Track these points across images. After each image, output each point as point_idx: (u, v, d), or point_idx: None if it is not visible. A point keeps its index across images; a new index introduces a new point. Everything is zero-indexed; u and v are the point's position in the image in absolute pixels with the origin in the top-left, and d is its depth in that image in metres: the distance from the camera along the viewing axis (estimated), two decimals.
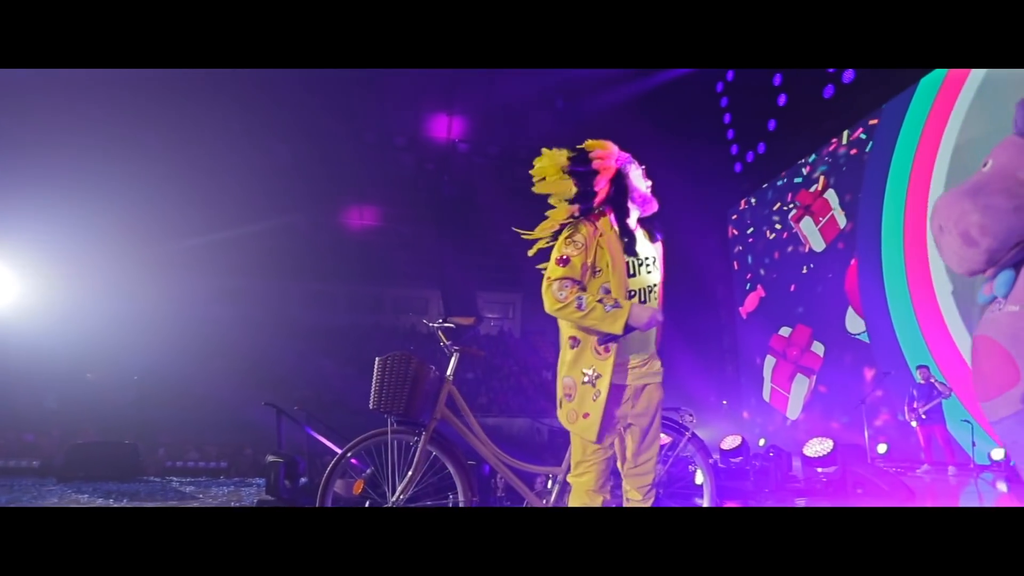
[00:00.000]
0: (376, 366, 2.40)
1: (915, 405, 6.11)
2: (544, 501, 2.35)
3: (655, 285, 2.01)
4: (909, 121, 7.26)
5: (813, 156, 8.94)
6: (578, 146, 2.01)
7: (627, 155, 2.03)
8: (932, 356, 6.58)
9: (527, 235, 2.08)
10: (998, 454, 5.78)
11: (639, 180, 2.01)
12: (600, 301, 1.81)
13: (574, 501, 1.91)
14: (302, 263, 9.98)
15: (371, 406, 2.36)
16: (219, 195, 10.00)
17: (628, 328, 1.80)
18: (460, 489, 2.29)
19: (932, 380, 6.11)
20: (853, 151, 8.17)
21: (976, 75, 6.45)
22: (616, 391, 1.87)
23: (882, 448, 6.19)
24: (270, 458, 4.36)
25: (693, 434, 2.59)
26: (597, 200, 1.95)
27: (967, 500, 4.63)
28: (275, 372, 8.28)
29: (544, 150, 2.03)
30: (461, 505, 2.29)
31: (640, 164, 2.05)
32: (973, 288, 5.35)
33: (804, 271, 8.96)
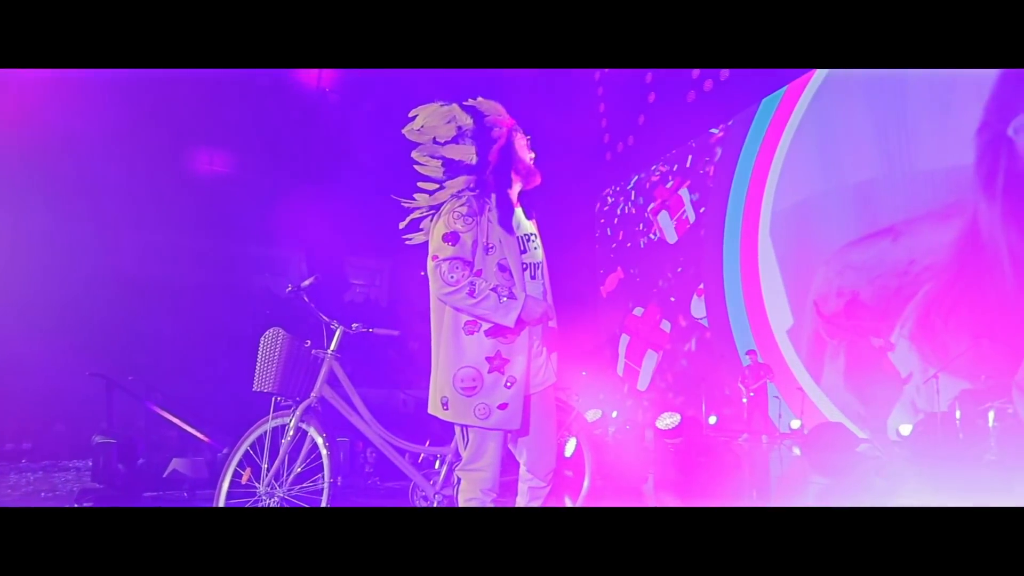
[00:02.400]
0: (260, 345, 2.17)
1: (747, 383, 7.10)
2: (431, 482, 2.28)
3: (542, 262, 1.93)
4: (752, 134, 8.19)
5: (674, 154, 9.73)
6: (469, 102, 1.83)
7: (513, 121, 1.89)
8: (755, 343, 7.63)
9: (408, 203, 1.90)
10: (796, 424, 6.90)
11: (524, 151, 1.89)
12: (495, 289, 1.69)
13: (464, 495, 1.79)
14: (137, 208, 8.54)
15: (253, 387, 2.13)
16: (21, 116, 8.16)
17: (520, 322, 1.71)
18: (325, 470, 2.10)
19: (761, 363, 7.11)
20: (706, 156, 9.03)
21: (805, 99, 7.45)
22: (526, 375, 1.77)
23: (712, 419, 7.08)
24: (98, 439, 3.77)
25: (578, 412, 2.69)
26: (489, 169, 1.81)
27: (774, 463, 5.45)
28: (100, 334, 7.09)
29: (429, 107, 1.82)
30: (324, 487, 2.10)
31: (525, 133, 1.91)
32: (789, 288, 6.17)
33: (658, 259, 9.81)
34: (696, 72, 9.00)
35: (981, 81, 5.51)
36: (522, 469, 1.96)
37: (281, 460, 2.05)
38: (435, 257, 1.73)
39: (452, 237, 1.71)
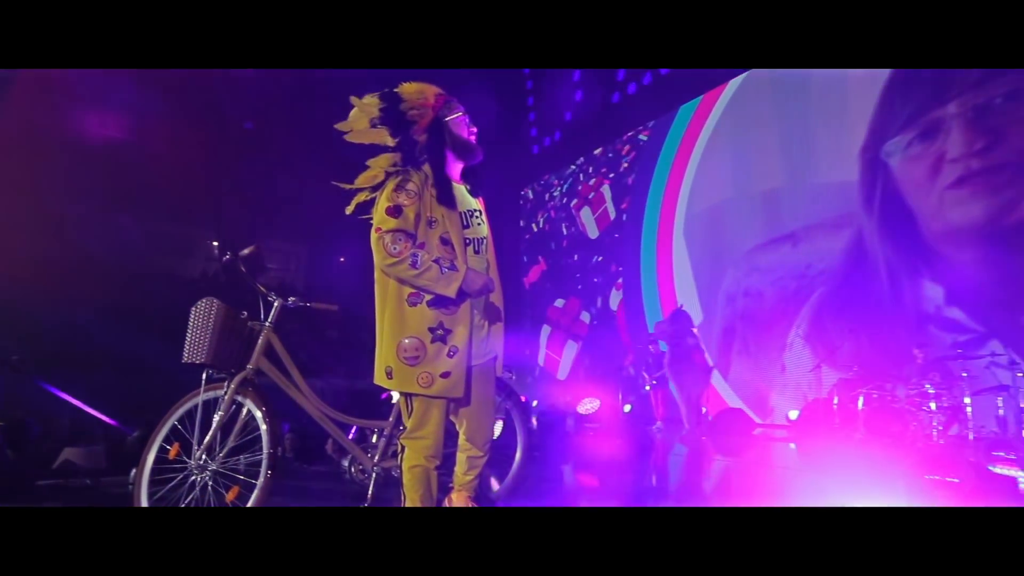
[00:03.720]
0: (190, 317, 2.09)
1: (650, 372, 7.52)
2: (369, 454, 2.31)
3: (486, 237, 2.00)
4: (670, 138, 8.69)
5: (597, 153, 10.09)
6: (392, 90, 1.89)
7: (447, 98, 1.94)
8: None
9: (348, 187, 1.93)
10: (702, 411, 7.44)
11: (460, 128, 1.94)
12: (437, 261, 1.74)
13: (409, 462, 1.84)
14: (28, 176, 7.64)
15: (183, 359, 2.05)
16: None
17: (461, 293, 1.77)
18: (265, 442, 2.07)
19: (661, 352, 7.55)
20: (628, 156, 9.46)
21: (718, 108, 8.01)
22: (468, 346, 1.83)
23: (627, 408, 7.47)
24: None
25: (511, 390, 2.80)
26: (417, 148, 1.87)
27: (679, 449, 5.86)
28: None
29: (354, 99, 1.88)
30: (264, 457, 2.06)
31: (464, 111, 1.96)
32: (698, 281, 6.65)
33: (580, 253, 10.17)
34: (621, 75, 9.39)
35: (865, 104, 6.20)
36: (461, 439, 2.04)
37: (214, 434, 2.00)
38: (378, 229, 1.77)
39: (395, 210, 1.76)
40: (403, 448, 1.88)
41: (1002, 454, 3.39)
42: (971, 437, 4.39)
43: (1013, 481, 2.69)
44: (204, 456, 2.00)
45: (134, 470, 2.68)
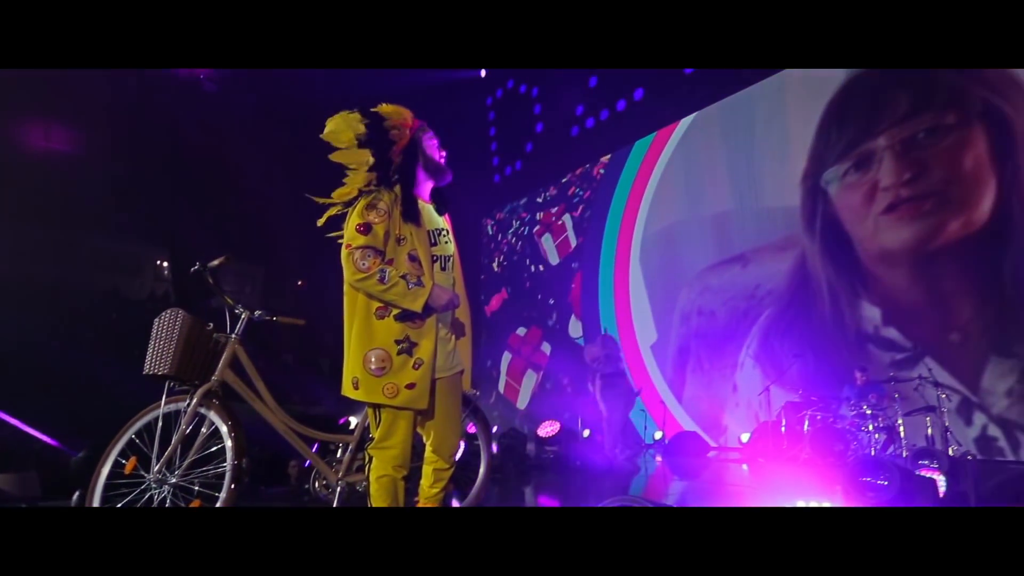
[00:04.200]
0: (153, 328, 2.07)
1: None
2: (333, 469, 2.30)
3: (452, 255, 2.07)
4: (626, 171, 9.06)
5: (558, 182, 10.38)
6: (372, 109, 1.97)
7: (420, 122, 2.04)
8: (626, 362, 8.32)
9: (323, 201, 2.00)
10: (659, 435, 7.60)
11: (432, 150, 2.04)
12: (404, 277, 1.81)
13: (376, 472, 1.87)
14: None
15: (144, 371, 2.02)
16: None
17: (427, 308, 1.83)
18: (229, 454, 2.04)
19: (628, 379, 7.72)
20: (587, 187, 9.78)
21: (671, 144, 8.43)
22: (433, 359, 1.88)
23: (586, 433, 7.56)
24: None
25: (476, 406, 2.84)
26: (393, 168, 1.95)
27: (640, 467, 5.96)
28: None
29: (338, 116, 1.96)
30: (228, 469, 2.02)
31: (435, 134, 2.07)
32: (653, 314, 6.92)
33: (541, 280, 10.33)
34: (580, 110, 9.77)
35: (806, 134, 6.66)
36: (428, 451, 2.07)
37: (175, 446, 1.96)
38: (348, 246, 1.84)
39: (364, 228, 1.83)
40: (370, 459, 1.90)
41: (927, 462, 3.73)
42: (904, 455, 4.69)
43: (933, 483, 3.05)
44: (164, 470, 1.95)
45: (77, 493, 2.57)
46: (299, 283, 11.08)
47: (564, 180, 10.21)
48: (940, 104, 5.68)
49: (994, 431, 5.11)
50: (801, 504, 2.54)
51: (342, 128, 1.93)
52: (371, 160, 1.94)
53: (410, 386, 1.83)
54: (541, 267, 10.39)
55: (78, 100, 8.89)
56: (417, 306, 1.81)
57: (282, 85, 9.93)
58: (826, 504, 2.47)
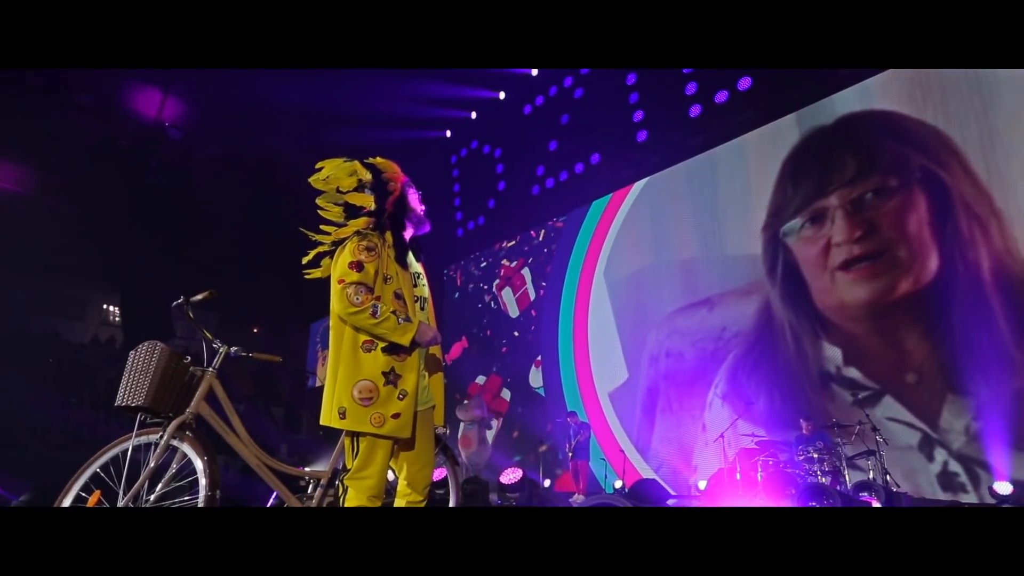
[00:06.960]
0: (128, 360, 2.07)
1: (568, 444, 7.66)
2: (305, 504, 2.28)
3: (428, 298, 2.23)
4: (585, 227, 9.47)
5: (519, 238, 10.70)
6: (368, 161, 2.16)
7: (406, 178, 2.25)
8: (584, 405, 8.41)
9: (317, 237, 2.14)
10: (619, 484, 7.62)
11: (416, 203, 2.24)
12: (394, 312, 1.93)
13: (351, 502, 1.91)
14: None
15: (116, 403, 2.00)
16: None
17: (413, 343, 1.96)
18: (202, 485, 1.99)
19: (578, 422, 7.78)
20: (547, 242, 10.12)
21: (627, 203, 8.88)
22: (415, 392, 1.98)
23: (547, 483, 7.52)
24: None
25: (445, 444, 2.88)
26: (386, 215, 2.12)
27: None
28: None
29: (334, 161, 2.13)
30: (201, 501, 1.98)
31: (417, 189, 2.27)
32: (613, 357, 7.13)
33: (500, 330, 10.44)
34: (541, 170, 10.24)
35: (765, 189, 7.14)
36: (401, 485, 2.11)
37: (144, 480, 1.92)
38: (342, 281, 1.95)
39: (357, 265, 1.96)
40: (345, 489, 1.93)
41: (866, 493, 3.94)
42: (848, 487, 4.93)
43: (870, 500, 3.28)
44: (130, 504, 1.91)
45: None
46: (255, 329, 10.81)
47: (524, 235, 10.54)
48: (883, 168, 6.20)
49: (955, 467, 5.37)
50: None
51: (343, 173, 2.10)
52: (373, 205, 2.09)
53: (396, 416, 1.91)
54: (501, 318, 10.53)
55: (32, 140, 8.74)
56: (405, 340, 1.92)
57: (246, 135, 10.04)
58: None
